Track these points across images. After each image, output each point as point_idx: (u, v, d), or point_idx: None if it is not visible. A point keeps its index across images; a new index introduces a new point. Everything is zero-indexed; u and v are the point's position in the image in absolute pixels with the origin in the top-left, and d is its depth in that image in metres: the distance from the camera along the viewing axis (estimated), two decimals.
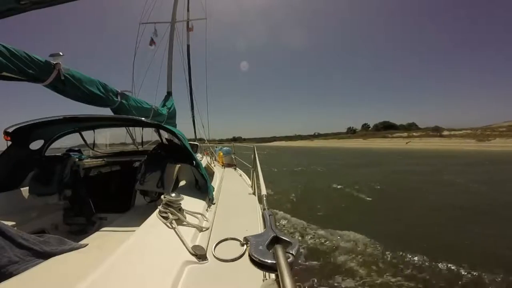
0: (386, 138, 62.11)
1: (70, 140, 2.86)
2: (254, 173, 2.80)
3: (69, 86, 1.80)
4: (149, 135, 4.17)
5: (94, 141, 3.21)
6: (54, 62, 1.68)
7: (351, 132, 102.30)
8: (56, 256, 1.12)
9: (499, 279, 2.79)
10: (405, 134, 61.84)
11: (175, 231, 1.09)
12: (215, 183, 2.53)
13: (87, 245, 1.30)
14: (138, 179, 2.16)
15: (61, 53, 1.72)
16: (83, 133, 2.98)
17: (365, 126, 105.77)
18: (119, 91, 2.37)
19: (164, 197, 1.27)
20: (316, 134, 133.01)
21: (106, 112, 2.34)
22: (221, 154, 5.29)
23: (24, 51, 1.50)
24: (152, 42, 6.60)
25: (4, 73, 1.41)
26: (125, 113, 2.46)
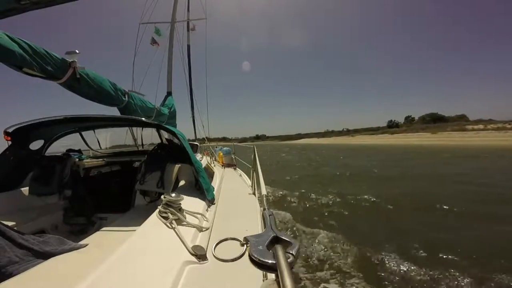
0: (466, 131, 43.43)
1: (70, 140, 2.87)
2: (254, 173, 2.79)
3: (83, 84, 1.83)
4: (150, 135, 4.18)
5: (96, 141, 3.21)
6: (70, 60, 1.70)
7: (395, 126, 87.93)
8: (56, 256, 1.12)
9: None
10: (494, 125, 42.82)
11: (175, 231, 1.09)
12: (215, 183, 2.53)
13: (87, 245, 1.30)
14: (138, 179, 2.16)
15: (77, 51, 1.73)
16: (83, 133, 2.98)
17: (409, 119, 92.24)
18: (127, 90, 2.40)
19: (164, 197, 1.26)
20: (344, 130, 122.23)
21: (110, 111, 2.36)
22: (221, 154, 5.29)
23: (43, 48, 1.52)
24: (154, 42, 6.61)
25: (25, 69, 1.44)
26: (131, 112, 2.49)
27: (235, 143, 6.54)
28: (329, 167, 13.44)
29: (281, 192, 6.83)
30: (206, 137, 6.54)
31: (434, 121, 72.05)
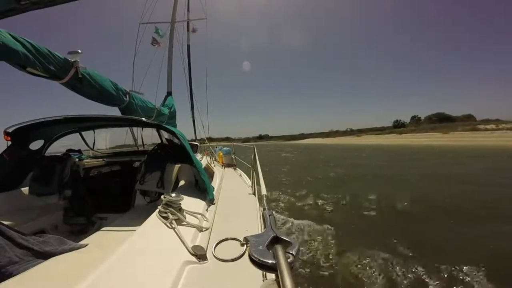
0: (478, 131, 41.17)
1: (70, 140, 2.87)
2: (254, 173, 2.79)
3: (85, 84, 1.84)
4: (150, 135, 4.18)
5: (94, 141, 3.21)
6: (72, 60, 1.70)
7: (401, 126, 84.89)
8: (56, 256, 1.12)
9: None
10: (507, 125, 40.75)
11: (175, 231, 1.09)
12: (215, 183, 2.53)
13: (87, 245, 1.30)
14: (138, 179, 2.16)
15: (79, 51, 1.74)
16: (83, 133, 2.98)
17: (415, 119, 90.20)
18: (127, 90, 2.40)
19: (164, 197, 1.27)
20: (348, 129, 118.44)
21: (111, 111, 2.37)
22: (221, 154, 5.29)
23: (46, 48, 1.52)
24: (156, 42, 6.62)
25: (29, 69, 1.46)
26: (132, 112, 2.50)
27: (235, 143, 6.54)
28: (342, 168, 12.02)
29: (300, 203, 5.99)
30: (207, 138, 6.55)
31: (441, 121, 70.20)
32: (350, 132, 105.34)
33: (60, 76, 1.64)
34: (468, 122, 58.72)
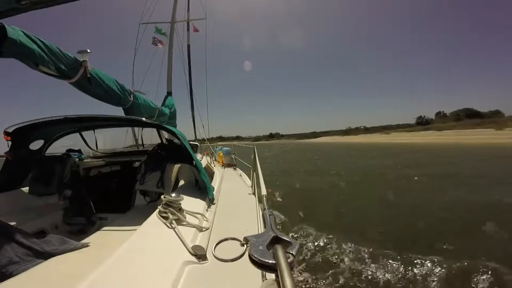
0: None
1: (70, 140, 2.87)
2: (254, 173, 2.79)
3: (93, 84, 1.83)
4: (150, 135, 4.18)
5: (95, 141, 3.21)
6: (82, 60, 1.70)
7: (425, 123, 77.95)
8: (56, 256, 1.12)
9: None
10: None
11: (175, 231, 1.09)
12: (215, 183, 2.53)
13: (88, 244, 1.30)
14: (138, 179, 2.16)
15: (88, 50, 1.74)
16: (83, 133, 2.98)
17: (441, 115, 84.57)
18: (132, 90, 2.41)
19: (164, 197, 1.27)
20: (362, 127, 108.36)
21: (113, 110, 2.37)
22: (221, 154, 5.29)
23: (57, 47, 1.52)
24: (158, 42, 6.62)
25: (41, 67, 1.46)
26: (136, 112, 2.51)
27: (235, 143, 6.54)
28: None
29: None
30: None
31: (469, 116, 64.88)
32: (373, 130, 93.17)
33: (70, 75, 1.64)
34: (497, 117, 52.74)
